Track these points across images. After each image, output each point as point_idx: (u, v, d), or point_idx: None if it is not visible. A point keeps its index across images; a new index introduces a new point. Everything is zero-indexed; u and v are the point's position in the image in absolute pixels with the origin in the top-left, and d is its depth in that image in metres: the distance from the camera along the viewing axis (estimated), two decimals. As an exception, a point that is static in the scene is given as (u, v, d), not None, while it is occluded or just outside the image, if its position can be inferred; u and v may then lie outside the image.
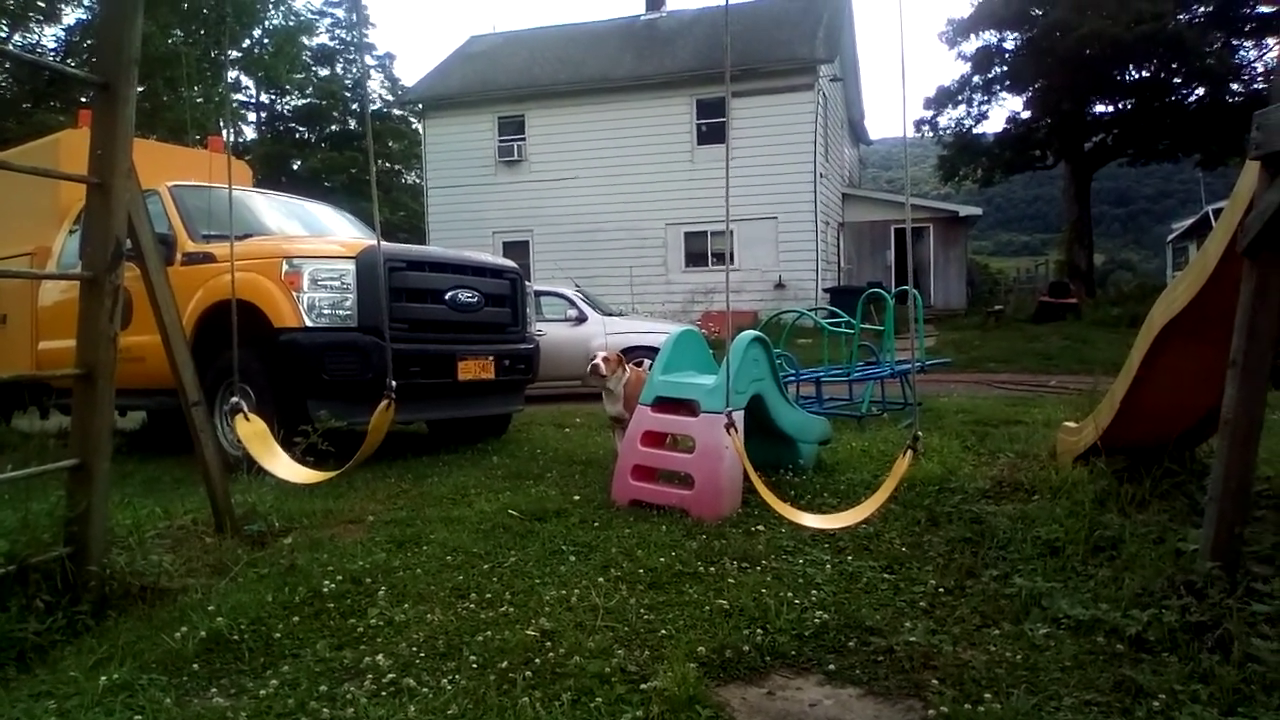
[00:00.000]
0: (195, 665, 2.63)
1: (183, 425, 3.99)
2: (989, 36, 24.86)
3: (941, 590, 3.12)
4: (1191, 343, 3.42)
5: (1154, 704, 2.21)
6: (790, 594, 3.07)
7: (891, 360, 7.75)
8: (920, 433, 3.08)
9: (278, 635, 2.84)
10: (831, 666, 2.57)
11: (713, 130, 21.52)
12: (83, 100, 21.15)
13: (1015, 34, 24.34)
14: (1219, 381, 2.83)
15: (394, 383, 3.62)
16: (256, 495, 4.35)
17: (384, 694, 2.41)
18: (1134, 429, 3.96)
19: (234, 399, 3.93)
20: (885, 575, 3.30)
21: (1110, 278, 39.23)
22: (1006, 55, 24.82)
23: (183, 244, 6.19)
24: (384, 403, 3.62)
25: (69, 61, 25.41)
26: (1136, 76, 23.86)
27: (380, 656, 2.63)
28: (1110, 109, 25.13)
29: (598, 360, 5.19)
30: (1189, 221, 33.38)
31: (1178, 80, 23.46)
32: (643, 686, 2.39)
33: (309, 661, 2.64)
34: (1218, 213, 3.29)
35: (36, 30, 26.84)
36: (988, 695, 2.27)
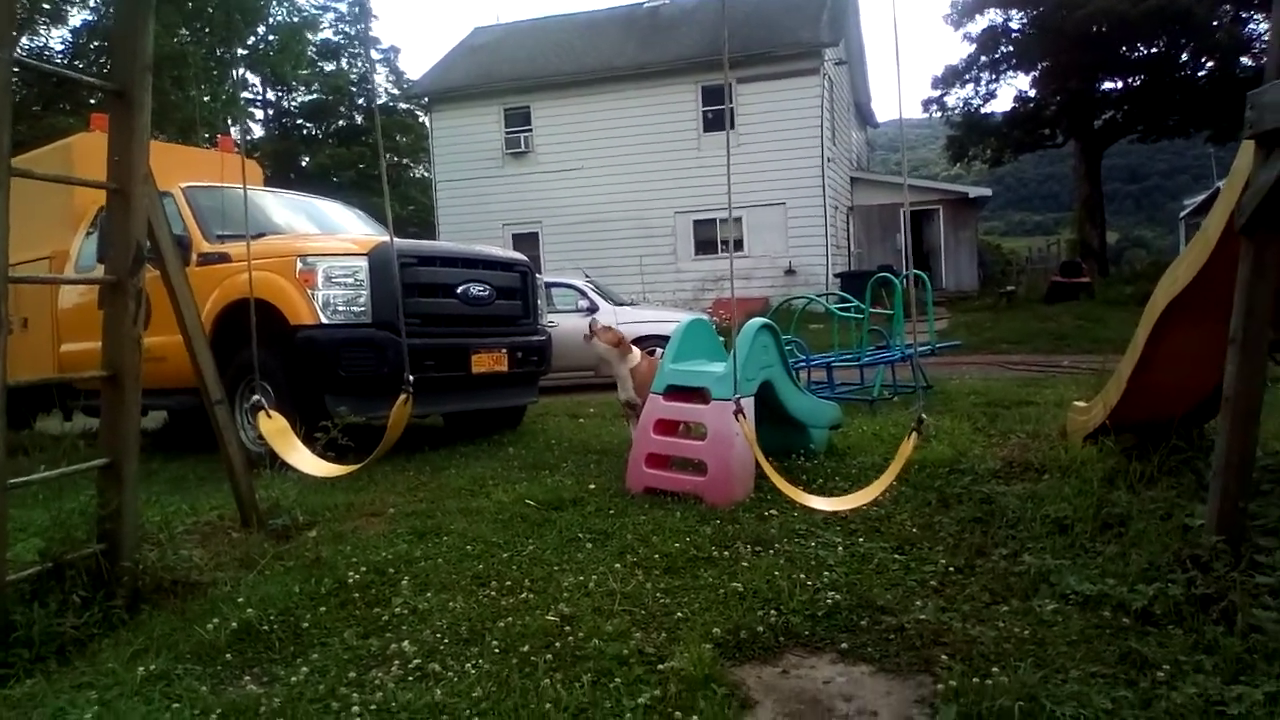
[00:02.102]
0: (228, 655, 2.72)
1: (203, 424, 4.09)
2: (995, 16, 24.70)
3: (952, 569, 3.19)
4: (1195, 321, 3.46)
5: (1159, 674, 2.27)
6: (803, 576, 3.14)
7: (901, 344, 7.78)
8: (925, 415, 3.14)
9: (306, 625, 2.93)
10: (844, 645, 2.64)
11: (719, 117, 21.48)
12: (92, 102, 21.28)
13: (1021, 13, 24.17)
14: (1223, 358, 2.88)
15: (411, 377, 3.70)
16: (280, 490, 4.44)
17: (411, 679, 2.50)
18: (1141, 407, 4.00)
19: (255, 397, 4.01)
20: (896, 556, 3.37)
21: (1124, 255, 39.01)
22: (1013, 34, 24.66)
23: (198, 245, 6.28)
24: (402, 397, 3.69)
25: (77, 64, 25.54)
26: (1145, 52, 23.66)
27: (406, 643, 2.71)
28: (1119, 86, 24.93)
29: (591, 321, 5.25)
30: (1201, 197, 33.11)
31: (1186, 55, 23.28)
32: (660, 667, 2.47)
33: (337, 649, 2.73)
34: (1228, 188, 3.32)
35: (44, 33, 26.97)
36: (996, 669, 2.33)
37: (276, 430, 3.94)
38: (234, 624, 2.87)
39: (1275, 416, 4.68)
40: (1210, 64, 22.97)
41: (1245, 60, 22.07)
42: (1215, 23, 21.64)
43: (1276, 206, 2.65)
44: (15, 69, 2.78)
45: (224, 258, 6.08)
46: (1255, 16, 22.10)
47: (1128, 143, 27.74)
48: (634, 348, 5.41)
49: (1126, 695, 2.18)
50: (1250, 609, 2.44)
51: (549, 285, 10.55)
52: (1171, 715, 2.07)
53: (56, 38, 27.67)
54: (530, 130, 23.14)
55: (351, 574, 3.33)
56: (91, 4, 26.10)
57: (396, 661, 2.60)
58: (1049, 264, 27.19)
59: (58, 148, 8.01)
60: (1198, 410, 4.03)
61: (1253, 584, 2.58)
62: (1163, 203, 64.58)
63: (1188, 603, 2.61)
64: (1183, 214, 38.05)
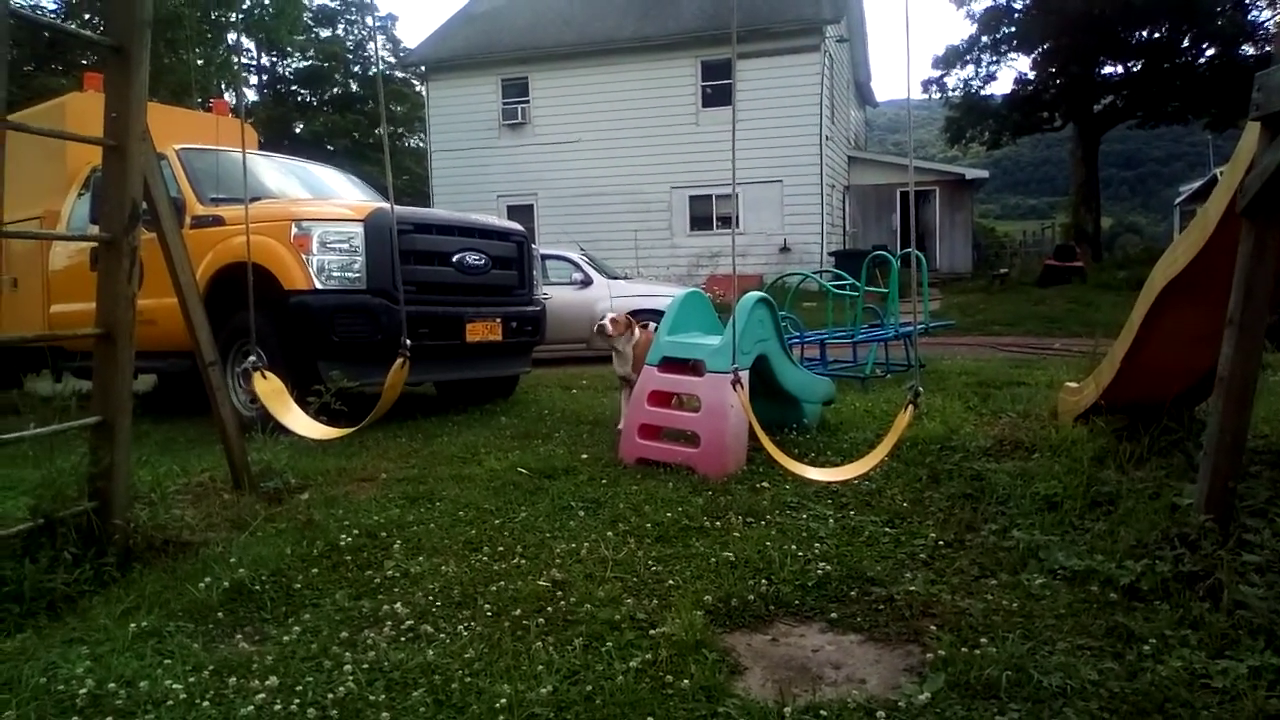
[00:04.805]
0: (220, 613, 2.73)
1: (194, 387, 4.08)
2: (998, -5, 24.56)
3: (941, 543, 3.21)
4: (1191, 302, 3.46)
5: (1144, 648, 2.29)
6: (794, 547, 3.15)
7: (895, 322, 7.79)
8: (921, 388, 3.14)
9: (298, 586, 2.93)
10: (834, 615, 2.65)
11: (718, 92, 21.36)
12: (84, 63, 21.04)
13: (1024, -8, 24.04)
14: (1218, 341, 2.88)
15: (409, 341, 3.69)
16: (272, 454, 4.43)
17: (403, 639, 2.51)
18: (1134, 388, 4.01)
19: (250, 357, 3.99)
20: (887, 529, 3.38)
21: (1118, 241, 39.04)
22: (1015, 15, 24.52)
23: (192, 207, 6.23)
24: (399, 361, 3.69)
25: (71, 22, 25.22)
26: (1146, 37, 23.56)
27: (398, 605, 2.72)
28: (1119, 70, 24.85)
29: (605, 320, 5.28)
30: (1197, 184, 33.15)
31: (1188, 41, 23.18)
32: (651, 633, 2.48)
33: (329, 610, 2.74)
34: (1225, 175, 3.32)
35: (36, -7, 26.58)
36: (984, 640, 2.35)
37: (272, 391, 3.93)
38: (226, 583, 2.88)
39: (1265, 400, 4.72)
40: (1211, 51, 22.90)
41: (1248, 48, 22.00)
42: (1218, 9, 21.55)
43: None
44: (11, 20, 2.74)
45: (218, 221, 6.04)
46: (1259, 4, 22.05)
47: (1126, 128, 27.70)
48: (634, 325, 5.43)
49: (1113, 667, 2.20)
50: (1237, 586, 2.47)
51: (544, 257, 10.53)
52: (1157, 687, 2.09)
53: (48, -2, 27.28)
54: (528, 101, 22.97)
55: (344, 537, 3.33)
56: (84, -37, 25.77)
57: (389, 623, 2.61)
58: (1043, 248, 27.23)
59: (50, 107, 7.93)
60: (1189, 392, 4.05)
61: (1239, 562, 2.61)
62: (1158, 189, 64.58)
63: (1175, 579, 2.63)
64: (1178, 200, 38.10)
